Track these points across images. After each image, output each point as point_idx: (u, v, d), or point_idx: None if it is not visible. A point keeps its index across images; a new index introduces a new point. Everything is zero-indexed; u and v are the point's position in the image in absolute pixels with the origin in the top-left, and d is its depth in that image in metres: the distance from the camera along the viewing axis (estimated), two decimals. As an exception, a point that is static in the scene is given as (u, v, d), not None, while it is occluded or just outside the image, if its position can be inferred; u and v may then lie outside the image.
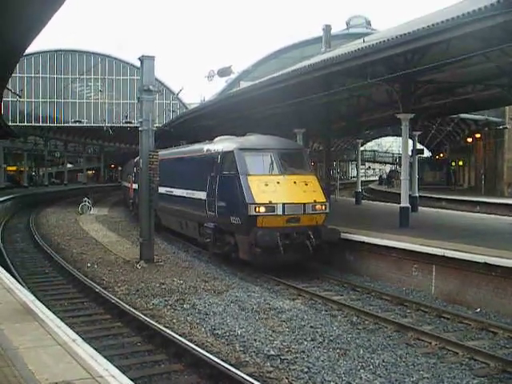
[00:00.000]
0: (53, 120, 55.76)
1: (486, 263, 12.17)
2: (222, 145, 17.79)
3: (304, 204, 15.55)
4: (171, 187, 22.39)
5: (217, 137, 19.91)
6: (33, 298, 9.39)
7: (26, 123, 54.44)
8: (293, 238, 15.28)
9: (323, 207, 15.95)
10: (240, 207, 15.49)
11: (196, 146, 21.58)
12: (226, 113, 26.47)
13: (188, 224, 21.02)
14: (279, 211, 15.19)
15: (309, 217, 15.63)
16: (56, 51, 55.58)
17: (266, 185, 15.53)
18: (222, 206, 16.69)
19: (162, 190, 22.65)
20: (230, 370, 7.90)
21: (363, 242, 15.93)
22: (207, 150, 18.70)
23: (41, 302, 9.52)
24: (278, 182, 15.69)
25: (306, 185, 16.04)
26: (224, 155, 16.98)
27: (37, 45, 61.13)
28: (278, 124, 26.47)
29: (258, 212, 15.10)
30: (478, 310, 12.20)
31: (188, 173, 20.92)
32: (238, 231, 15.98)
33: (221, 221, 16.87)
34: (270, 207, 15.17)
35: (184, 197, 20.67)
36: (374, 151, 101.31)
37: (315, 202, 15.77)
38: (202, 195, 18.22)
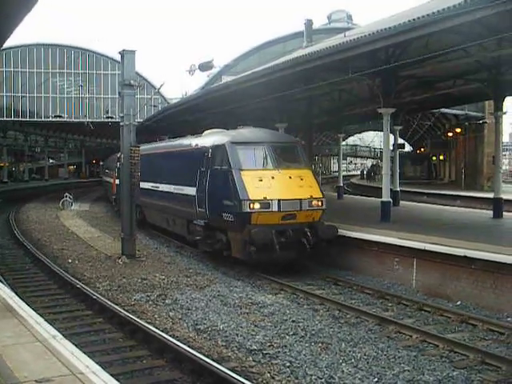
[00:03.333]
0: (33, 115, 55.19)
1: (465, 256, 12.30)
2: (212, 138, 17.15)
3: (300, 200, 14.97)
4: (157, 183, 21.67)
5: (204, 131, 19.43)
6: (12, 294, 9.31)
7: (5, 118, 53.83)
8: (289, 235, 14.69)
9: (320, 203, 15.33)
10: (233, 204, 14.83)
11: (184, 140, 20.88)
12: (208, 107, 26.38)
13: (176, 221, 20.27)
14: (275, 208, 14.59)
15: (305, 213, 15.06)
16: (36, 45, 54.93)
17: (261, 180, 14.89)
18: (214, 203, 16.00)
19: (147, 185, 22.13)
20: (212, 365, 7.91)
21: (345, 237, 15.97)
22: (196, 144, 18.05)
23: (21, 298, 9.46)
24: (273, 177, 15.07)
25: (302, 180, 15.45)
26: (215, 149, 16.26)
27: (15, 38, 60.35)
28: (260, 119, 26.43)
29: (253, 209, 14.47)
30: (458, 302, 12.32)
31: (176, 168, 20.11)
32: (231, 229, 15.39)
33: (212, 218, 16.20)
34: (265, 204, 14.54)
35: (171, 193, 19.89)
36: (355, 146, 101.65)
37: (312, 197, 15.18)
38: (191, 191, 17.54)
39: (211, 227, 16.44)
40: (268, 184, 14.88)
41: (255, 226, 14.41)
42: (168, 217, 21.15)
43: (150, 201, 22.67)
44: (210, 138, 17.39)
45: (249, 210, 14.47)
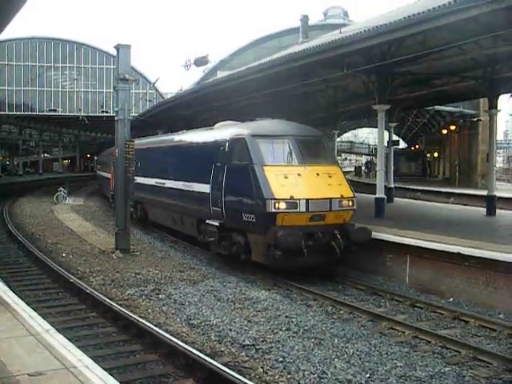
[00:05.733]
0: (27, 109, 54.98)
1: (459, 253, 12.35)
2: (228, 131, 15.88)
3: (330, 199, 13.69)
4: (163, 178, 20.33)
5: (214, 123, 18.35)
6: (5, 288, 9.31)
7: (-1, 111, 53.67)
8: (317, 238, 13.47)
9: (351, 203, 14.09)
10: (255, 203, 13.51)
11: (194, 133, 19.46)
12: (203, 102, 26.36)
13: (184, 220, 18.87)
14: (302, 208, 13.28)
15: (335, 214, 13.80)
16: (30, 39, 54.70)
17: (286, 177, 13.60)
18: (231, 201, 14.63)
19: (151, 181, 21.45)
20: (205, 359, 7.92)
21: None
22: (209, 138, 16.81)
23: (14, 292, 9.46)
24: (299, 174, 13.79)
25: (330, 177, 14.20)
26: (233, 143, 14.94)
27: (10, 32, 60.13)
28: (256, 114, 26.41)
29: (278, 209, 13.13)
30: (451, 299, 12.38)
31: (185, 163, 18.70)
32: (252, 230, 14.07)
33: (229, 218, 14.82)
34: (292, 203, 13.21)
35: (180, 189, 18.44)
36: (350, 142, 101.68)
37: (342, 197, 13.94)
38: (204, 188, 16.11)
39: (227, 228, 15.13)
40: (294, 181, 13.63)
41: (280, 228, 13.13)
42: (175, 215, 19.85)
43: (153, 198, 21.65)
44: (225, 131, 16.12)
45: (274, 210, 13.16)
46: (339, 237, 13.63)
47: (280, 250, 13.08)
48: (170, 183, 19.66)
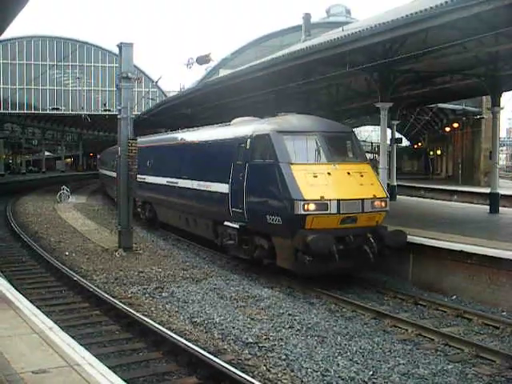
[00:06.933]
0: (30, 107, 55.12)
1: (462, 251, 12.35)
2: (249, 127, 14.94)
3: (362, 200, 12.76)
4: (175, 178, 19.37)
5: (231, 119, 17.42)
6: (9, 286, 9.34)
7: (2, 110, 53.73)
8: (348, 242, 12.61)
9: (383, 204, 13.20)
10: (282, 204, 12.60)
11: (210, 130, 18.46)
12: (206, 101, 26.34)
13: (198, 221, 18.00)
14: (333, 209, 12.35)
15: (367, 216, 12.91)
16: (33, 37, 54.87)
17: (315, 176, 12.66)
18: (254, 202, 13.69)
19: (161, 180, 20.78)
20: (208, 357, 7.93)
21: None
22: (228, 134, 15.96)
23: (17, 290, 9.49)
24: (329, 173, 12.84)
25: (362, 176, 13.26)
26: (255, 139, 14.01)
27: (13, 31, 60.30)
28: (258, 112, 26.41)
29: (307, 210, 12.18)
30: (454, 297, 12.39)
31: (200, 161, 17.66)
32: (277, 233, 13.14)
33: (251, 220, 13.92)
34: (322, 204, 12.27)
35: (195, 189, 17.49)
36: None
37: (375, 197, 13.04)
38: (222, 188, 15.17)
39: (248, 231, 14.28)
40: (324, 181, 12.70)
41: (309, 231, 12.24)
42: (188, 216, 18.87)
43: (164, 198, 20.95)
44: (246, 127, 15.20)
45: (303, 212, 12.19)
46: (372, 240, 12.78)
47: (310, 256, 12.20)
48: (183, 183, 18.67)
